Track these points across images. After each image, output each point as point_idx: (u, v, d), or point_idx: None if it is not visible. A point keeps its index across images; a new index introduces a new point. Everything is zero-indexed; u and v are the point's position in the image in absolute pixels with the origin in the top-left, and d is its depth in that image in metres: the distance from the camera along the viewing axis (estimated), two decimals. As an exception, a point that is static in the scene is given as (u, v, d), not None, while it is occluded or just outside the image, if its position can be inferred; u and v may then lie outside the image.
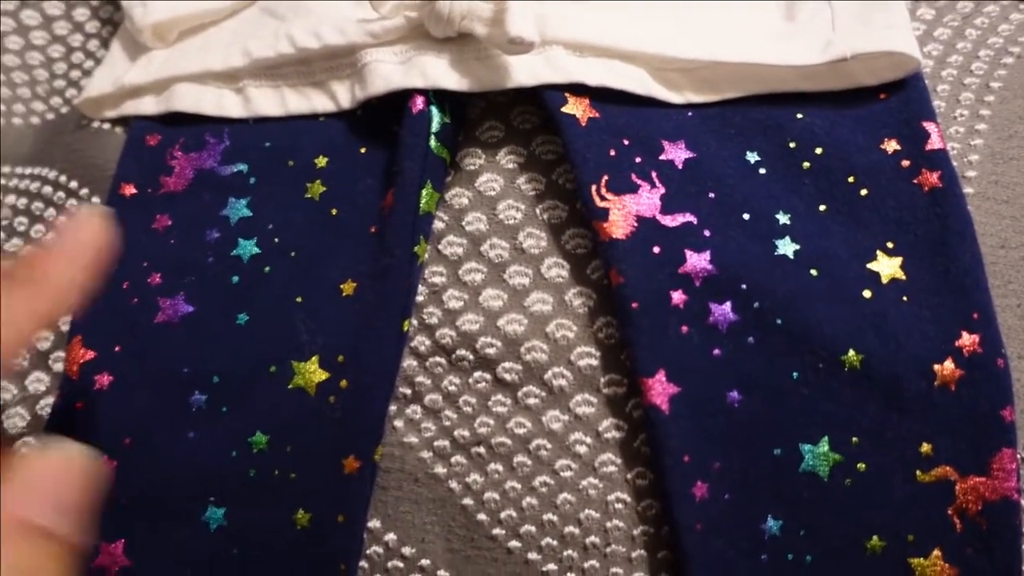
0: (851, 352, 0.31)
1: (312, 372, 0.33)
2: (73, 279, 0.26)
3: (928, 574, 0.30)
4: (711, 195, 0.33)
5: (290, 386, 0.33)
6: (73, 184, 0.39)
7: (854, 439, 0.31)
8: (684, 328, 0.32)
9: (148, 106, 0.39)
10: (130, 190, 0.37)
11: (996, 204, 0.34)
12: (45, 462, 0.24)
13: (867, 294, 0.31)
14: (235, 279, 0.34)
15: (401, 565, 0.33)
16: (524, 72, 0.34)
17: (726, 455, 0.31)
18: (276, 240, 0.35)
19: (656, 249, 0.32)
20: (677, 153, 0.34)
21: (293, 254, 0.35)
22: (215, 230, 0.36)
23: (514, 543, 0.33)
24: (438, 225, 0.35)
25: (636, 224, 0.32)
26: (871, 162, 0.33)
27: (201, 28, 0.40)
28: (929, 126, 0.34)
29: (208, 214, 0.36)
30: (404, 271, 0.33)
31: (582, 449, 0.32)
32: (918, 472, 0.30)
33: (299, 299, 0.34)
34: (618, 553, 0.32)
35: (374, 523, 0.33)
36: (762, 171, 0.34)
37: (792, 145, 0.34)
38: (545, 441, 0.33)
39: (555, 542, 0.32)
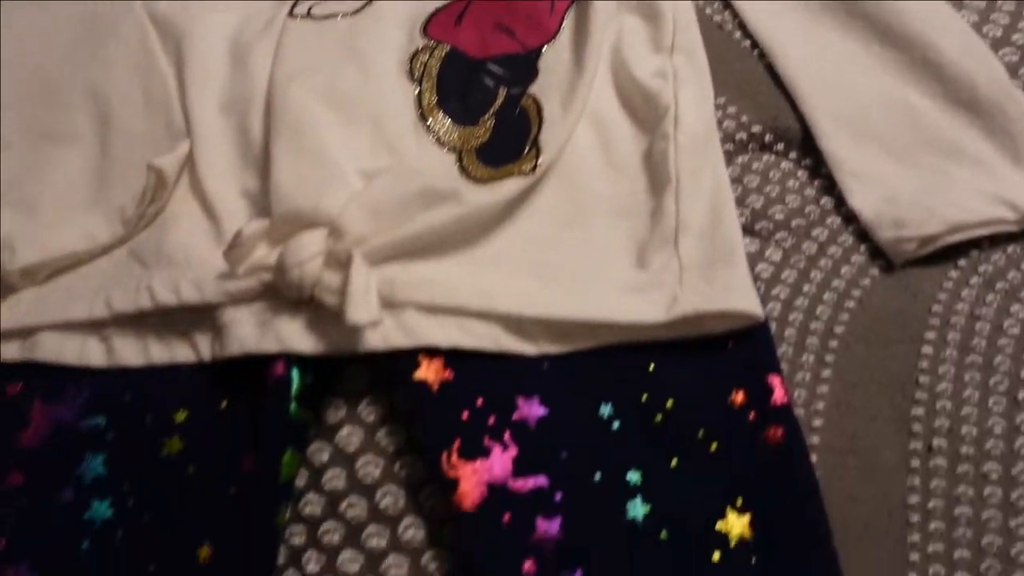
0: (705, 626, 0.31)
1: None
2: None
3: None
4: (563, 455, 0.33)
5: None
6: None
7: None
8: (533, 603, 0.31)
9: (12, 351, 0.38)
10: None
11: (842, 455, 0.34)
12: None
13: (716, 557, 0.31)
14: (85, 545, 0.33)
15: None
16: (376, 337, 0.34)
17: None
18: (130, 502, 0.34)
19: (506, 518, 0.32)
20: (531, 410, 0.34)
21: (146, 517, 0.33)
22: (69, 489, 0.35)
23: None
24: (299, 482, 0.34)
25: (486, 492, 0.32)
26: (719, 416, 0.34)
27: (70, 267, 0.40)
28: (774, 380, 0.34)
29: (63, 472, 0.35)
30: (265, 539, 0.32)
31: None
32: None
33: (152, 567, 0.33)
34: None
35: None
36: (615, 424, 0.34)
37: (644, 397, 0.35)
38: None
39: None
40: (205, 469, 0.34)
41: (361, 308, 0.31)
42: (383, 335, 0.34)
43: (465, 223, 0.36)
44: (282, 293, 0.34)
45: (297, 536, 0.34)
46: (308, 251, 0.33)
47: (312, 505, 0.34)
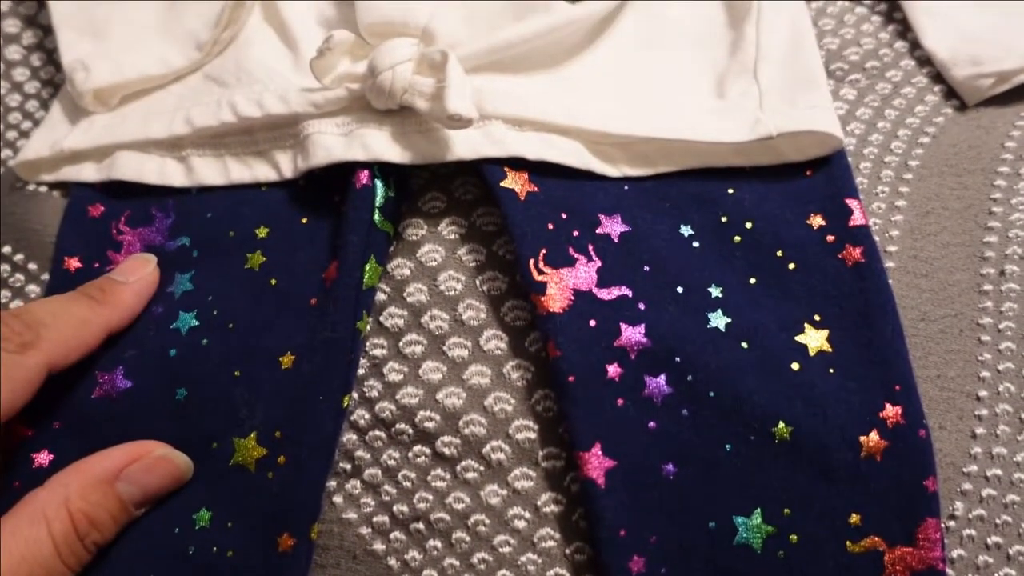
0: (781, 424, 0.31)
1: (251, 448, 0.32)
2: (133, 307, 0.35)
3: (858, 642, 0.31)
4: (646, 268, 0.34)
5: (231, 463, 0.32)
6: (19, 257, 0.39)
7: (786, 511, 0.31)
8: (620, 401, 0.32)
9: (89, 173, 0.39)
10: (75, 264, 0.37)
11: (915, 278, 0.35)
12: (151, 450, 0.32)
13: (795, 366, 0.32)
14: (172, 352, 0.34)
15: (336, 645, 0.33)
16: (464, 146, 0.34)
17: (662, 528, 0.31)
18: (215, 312, 0.35)
19: (592, 322, 0.33)
20: (613, 227, 0.35)
21: (231, 326, 0.34)
22: (160, 306, 0.35)
23: (452, 620, 0.33)
24: (380, 296, 0.35)
25: (573, 298, 0.33)
26: (798, 237, 0.35)
27: (144, 92, 0.40)
28: (852, 203, 0.35)
29: (158, 291, 0.36)
30: (345, 346, 0.33)
31: (521, 524, 0.32)
32: (848, 543, 0.31)
33: (237, 372, 0.34)
34: (555, 628, 0.32)
35: (311, 601, 0.33)
36: (695, 244, 0.35)
37: (724, 219, 0.35)
38: (484, 516, 0.33)
39: (494, 618, 0.32)
40: (286, 281, 0.35)
41: (460, 98, 0.31)
42: (471, 145, 0.34)
43: (556, 36, 0.35)
44: (370, 102, 0.34)
45: (379, 348, 0.34)
46: (400, 54, 0.33)
47: (394, 318, 0.34)
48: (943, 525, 0.32)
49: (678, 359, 0.32)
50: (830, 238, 0.35)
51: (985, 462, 0.33)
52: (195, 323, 0.34)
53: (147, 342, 0.34)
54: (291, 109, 0.35)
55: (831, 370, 0.33)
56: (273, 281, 0.35)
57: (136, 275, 0.35)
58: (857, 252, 0.34)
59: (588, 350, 0.32)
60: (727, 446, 0.32)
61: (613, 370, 0.32)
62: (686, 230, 0.35)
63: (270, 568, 0.31)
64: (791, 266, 0.34)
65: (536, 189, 0.35)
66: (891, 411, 0.32)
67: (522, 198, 0.34)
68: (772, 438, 0.32)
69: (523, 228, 0.34)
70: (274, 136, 0.36)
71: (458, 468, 0.33)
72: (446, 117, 0.33)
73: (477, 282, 0.35)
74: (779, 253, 0.35)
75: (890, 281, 0.34)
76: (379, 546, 0.33)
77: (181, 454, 0.32)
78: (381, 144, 0.34)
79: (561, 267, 0.33)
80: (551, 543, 0.32)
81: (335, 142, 0.35)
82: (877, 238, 0.36)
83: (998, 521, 0.32)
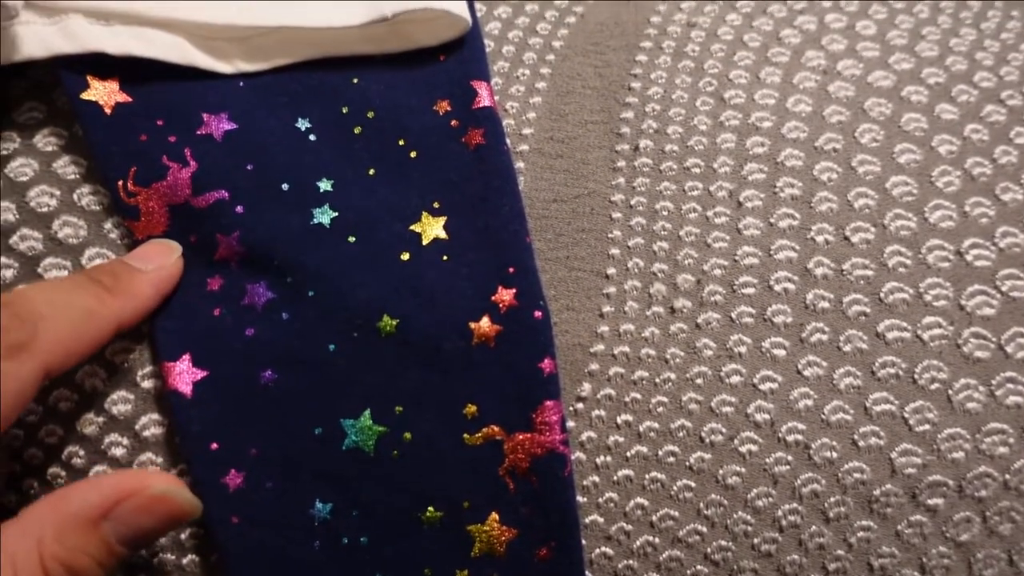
0: (385, 317, 0.30)
1: None
2: (151, 298, 0.29)
3: (487, 539, 0.30)
4: (249, 167, 0.31)
5: None
6: None
7: (397, 408, 0.30)
8: (216, 311, 0.30)
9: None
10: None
11: (551, 159, 0.34)
12: (147, 484, 0.26)
13: (405, 257, 0.31)
14: None
15: None
16: (35, 43, 0.31)
17: (263, 440, 0.29)
18: None
19: (192, 239, 0.30)
20: (217, 125, 0.32)
21: None
22: None
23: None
24: (-36, 218, 0.32)
25: (169, 216, 0.30)
26: (423, 124, 0.33)
27: None
28: (479, 85, 0.33)
29: None
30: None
31: (119, 452, 0.30)
32: (465, 435, 0.30)
33: None
34: (167, 561, 0.30)
35: None
36: (312, 138, 0.32)
37: (345, 110, 0.33)
38: (78, 448, 0.30)
39: (99, 553, 0.30)
40: None
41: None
42: (43, 41, 0.30)
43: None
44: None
45: (-33, 277, 0.31)
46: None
47: (-20, 243, 0.31)
48: (570, 408, 0.31)
49: (276, 262, 0.30)
50: (454, 123, 0.33)
51: (612, 340, 0.32)
52: None
53: None
54: None
55: (445, 257, 0.31)
56: None
57: (155, 263, 0.29)
58: (478, 135, 0.32)
59: (189, 269, 0.30)
60: (330, 346, 0.30)
61: (215, 282, 0.30)
62: (303, 124, 0.33)
63: None
64: (413, 154, 0.32)
65: (129, 99, 0.31)
66: (505, 294, 0.30)
67: (108, 111, 0.31)
68: (378, 333, 0.30)
69: (108, 148, 0.31)
70: None
71: (49, 400, 0.30)
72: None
73: (75, 196, 0.32)
74: (401, 142, 0.33)
75: (521, 164, 0.33)
76: (-28, 490, 0.30)
77: (185, 491, 0.27)
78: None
79: (153, 183, 0.31)
80: (153, 469, 0.30)
81: None
82: (512, 121, 0.34)
83: (627, 399, 0.32)
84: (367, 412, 0.30)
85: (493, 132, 0.32)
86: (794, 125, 0.34)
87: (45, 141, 0.32)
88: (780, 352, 0.32)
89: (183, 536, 0.30)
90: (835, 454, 0.31)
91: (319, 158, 0.32)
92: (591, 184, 0.33)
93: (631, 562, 0.31)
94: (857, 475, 0.31)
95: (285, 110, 0.33)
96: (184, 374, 0.29)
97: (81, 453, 0.30)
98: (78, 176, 0.32)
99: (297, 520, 0.29)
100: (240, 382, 0.29)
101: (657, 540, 0.31)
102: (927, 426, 0.31)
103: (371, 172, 0.32)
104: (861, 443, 0.31)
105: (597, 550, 0.31)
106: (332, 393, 0.29)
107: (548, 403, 0.30)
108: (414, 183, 0.32)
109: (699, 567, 0.31)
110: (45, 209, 0.31)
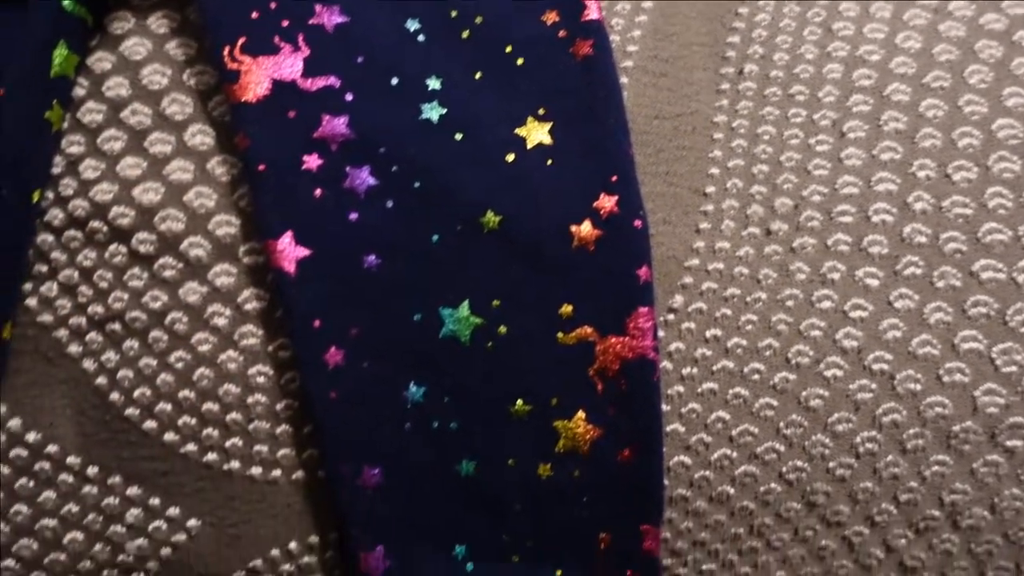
0: (489, 213, 0.30)
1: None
2: None
3: (572, 436, 0.31)
4: (359, 60, 0.32)
5: None
6: None
7: (495, 302, 0.30)
8: (318, 191, 0.30)
9: None
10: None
11: (654, 77, 0.34)
12: None
13: (510, 158, 0.31)
14: None
15: (25, 453, 0.31)
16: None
17: (364, 321, 0.30)
18: None
19: (291, 113, 0.31)
20: (329, 17, 0.32)
21: None
22: None
23: (149, 423, 0.31)
24: (77, 92, 0.32)
25: (271, 88, 0.31)
26: (530, 33, 0.33)
27: None
28: (588, -2, 0.34)
29: None
30: (33, 137, 0.30)
31: (221, 322, 0.31)
32: (559, 334, 0.30)
33: None
34: (261, 430, 0.31)
35: (-2, 410, 0.31)
36: (420, 38, 0.33)
37: (454, 14, 0.33)
38: (182, 314, 0.31)
39: (193, 420, 0.31)
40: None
41: None
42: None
43: None
44: None
45: (75, 146, 0.32)
46: None
47: (92, 113, 0.32)
48: (661, 318, 0.32)
49: (383, 150, 0.31)
50: (562, 33, 0.33)
51: (707, 256, 0.32)
52: None
53: None
54: None
55: (549, 161, 0.31)
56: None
57: None
58: (587, 46, 0.32)
59: (282, 140, 0.30)
60: (434, 237, 0.30)
61: (311, 161, 0.30)
62: (412, 24, 0.33)
63: None
64: (519, 61, 0.33)
65: None
66: (606, 201, 0.31)
67: None
68: (481, 228, 0.30)
69: (219, 17, 0.31)
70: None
71: (155, 266, 0.31)
72: None
73: (184, 76, 0.33)
74: (508, 49, 0.33)
75: (625, 80, 0.33)
76: (74, 348, 0.31)
77: None
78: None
79: (261, 55, 0.31)
80: (253, 340, 0.31)
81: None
82: (618, 38, 0.34)
83: (718, 314, 0.32)
84: (466, 303, 0.30)
85: (601, 45, 0.32)
86: (902, 60, 0.34)
87: (158, 23, 0.33)
88: (873, 282, 0.32)
89: (279, 407, 0.31)
90: (919, 386, 0.32)
91: (428, 57, 0.32)
92: (694, 104, 0.33)
93: (707, 473, 0.32)
94: (938, 409, 0.31)
95: (394, 10, 0.33)
96: (288, 252, 0.29)
97: (184, 320, 0.31)
98: (187, 57, 0.33)
99: (391, 401, 0.30)
100: (343, 264, 0.30)
101: (734, 454, 0.32)
102: (1013, 368, 0.32)
103: (477, 76, 0.32)
104: (945, 378, 0.31)
105: (675, 458, 0.32)
106: (433, 282, 0.30)
107: (642, 309, 0.30)
108: (520, 89, 0.32)
109: (773, 484, 0.32)
110: (156, 87, 0.32)
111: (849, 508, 0.32)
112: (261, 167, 0.30)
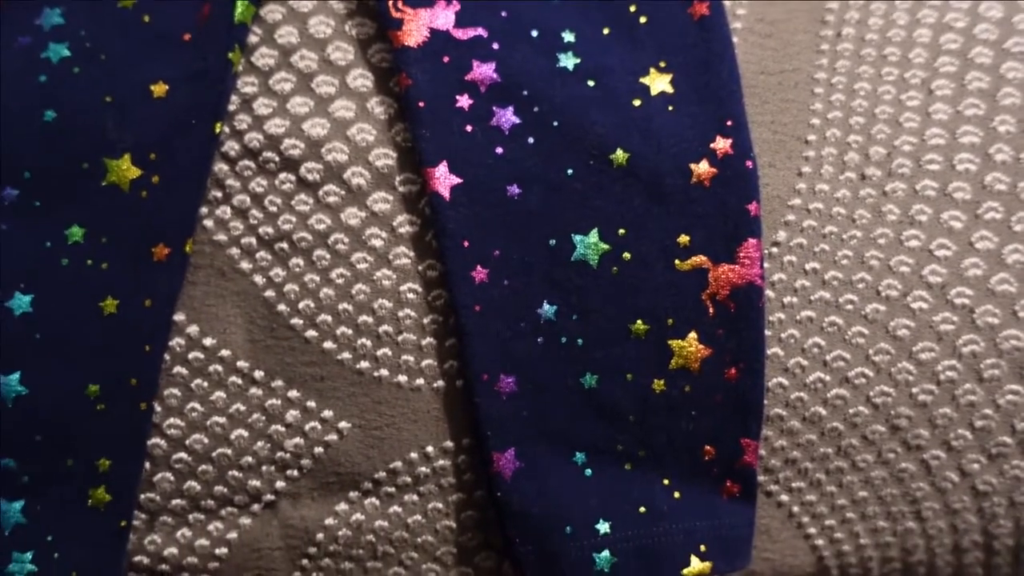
0: (619, 151, 0.34)
1: (125, 169, 0.34)
2: None
3: (685, 355, 0.34)
4: (503, 14, 0.36)
5: (104, 182, 0.34)
6: None
7: (621, 230, 0.34)
8: (469, 127, 0.34)
9: None
10: None
11: (760, 38, 0.37)
12: None
13: (636, 103, 0.35)
14: (42, 78, 0.35)
15: (202, 356, 0.35)
16: None
17: (505, 243, 0.34)
18: (87, 45, 0.36)
19: (446, 59, 0.35)
20: (477, -25, 0.37)
21: (103, 57, 0.35)
22: (27, 36, 0.36)
23: (311, 332, 0.35)
24: (252, 39, 0.36)
25: (428, 35, 0.35)
26: (652, -7, 0.37)
27: None
28: (704, -37, 0.37)
29: (21, 22, 0.36)
30: (217, 76, 0.35)
31: (378, 243, 0.35)
32: (677, 261, 0.34)
33: (108, 98, 0.35)
34: (409, 341, 0.35)
35: (179, 316, 0.35)
36: (555, -2, 0.37)
37: (585, -23, 0.37)
38: (343, 236, 0.35)
39: (350, 331, 0.35)
40: (160, 18, 0.36)
41: None
42: None
43: None
44: None
45: (249, 86, 0.36)
46: None
47: (265, 58, 0.36)
48: (766, 251, 0.35)
49: (526, 93, 0.34)
50: (681, -9, 0.37)
51: (808, 197, 0.36)
52: (66, 53, 0.35)
53: (15, 75, 0.35)
54: None
55: (670, 107, 0.35)
56: (146, 18, 0.36)
57: None
58: (704, 7, 0.36)
59: (439, 81, 0.34)
60: (569, 171, 0.34)
61: (463, 100, 0.34)
62: (547, -15, 0.37)
63: (144, 277, 0.33)
64: (643, 19, 0.36)
65: None
66: (722, 143, 0.34)
67: None
68: (611, 164, 0.34)
69: None
70: None
71: (320, 192, 0.35)
72: None
73: (347, 27, 0.37)
74: (632, 8, 0.36)
75: (735, 39, 0.37)
76: (246, 265, 0.35)
77: None
78: None
79: (420, 7, 0.35)
80: (405, 260, 0.35)
81: None
82: (729, 3, 0.38)
83: (816, 249, 0.35)
84: (595, 230, 0.34)
85: (716, 7, 0.36)
86: (985, 27, 0.37)
87: (321, -21, 0.37)
88: (957, 224, 0.35)
89: (425, 321, 0.34)
90: (996, 320, 0.35)
91: (562, 13, 0.36)
92: (795, 62, 0.37)
93: (802, 394, 0.35)
94: (1014, 342, 0.35)
95: (532, -30, 0.37)
96: (443, 179, 0.33)
97: (345, 240, 0.35)
98: (348, 11, 0.36)
99: (527, 316, 0.34)
100: (490, 192, 0.34)
101: (828, 378, 0.35)
102: (1083, 305, 0.35)
103: (605, 31, 0.36)
104: (1021, 313, 0.35)
105: (774, 379, 0.35)
106: (567, 211, 0.34)
107: (751, 241, 0.34)
108: (643, 44, 0.36)
109: (861, 407, 0.35)
110: (321, 35, 0.36)
111: (929, 433, 0.36)
112: (420, 104, 0.34)
